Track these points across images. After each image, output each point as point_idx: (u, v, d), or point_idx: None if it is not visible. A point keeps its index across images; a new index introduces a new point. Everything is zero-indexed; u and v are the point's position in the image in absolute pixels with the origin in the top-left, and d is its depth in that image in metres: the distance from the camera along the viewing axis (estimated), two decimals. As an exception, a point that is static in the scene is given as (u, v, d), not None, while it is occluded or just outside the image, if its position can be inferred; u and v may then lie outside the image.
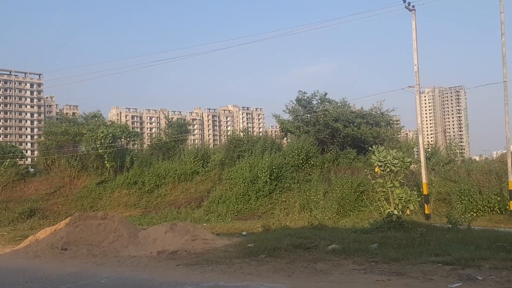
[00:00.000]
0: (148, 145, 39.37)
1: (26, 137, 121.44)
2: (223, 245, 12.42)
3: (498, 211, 19.86)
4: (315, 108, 31.04)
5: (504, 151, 21.25)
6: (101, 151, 31.34)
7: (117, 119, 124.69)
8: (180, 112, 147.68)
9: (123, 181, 30.64)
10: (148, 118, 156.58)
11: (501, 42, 20.24)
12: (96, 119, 38.05)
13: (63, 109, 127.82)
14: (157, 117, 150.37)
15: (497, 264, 8.45)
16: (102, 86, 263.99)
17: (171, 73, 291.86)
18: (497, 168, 22.73)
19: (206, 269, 9.59)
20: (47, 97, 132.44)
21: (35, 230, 19.25)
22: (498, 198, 20.10)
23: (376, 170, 16.14)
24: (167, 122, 38.30)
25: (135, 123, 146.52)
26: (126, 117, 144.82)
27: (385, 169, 15.73)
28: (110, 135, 31.53)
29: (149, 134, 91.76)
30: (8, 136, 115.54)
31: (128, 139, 34.98)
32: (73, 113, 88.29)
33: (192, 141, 72.02)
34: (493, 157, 30.67)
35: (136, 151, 36.10)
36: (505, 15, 20.28)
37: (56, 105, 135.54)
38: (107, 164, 31.74)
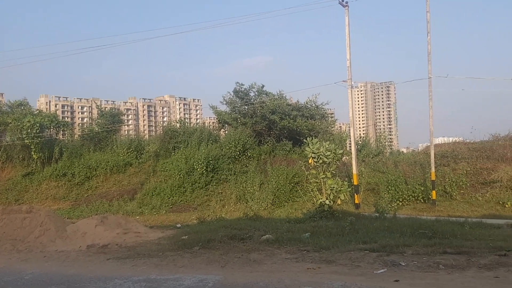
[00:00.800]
0: (78, 135, 37.67)
1: None
2: (156, 238, 12.21)
3: (422, 200, 21.09)
4: (252, 100, 31.19)
5: (429, 144, 22.55)
6: (28, 141, 29.59)
7: (46, 108, 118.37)
8: (113, 101, 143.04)
9: (52, 173, 29.19)
10: (80, 107, 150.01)
11: (427, 40, 21.36)
12: (23, 108, 35.81)
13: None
14: (89, 106, 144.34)
15: (419, 250, 8.96)
16: (30, 73, 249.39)
17: (105, 61, 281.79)
18: (422, 160, 24.12)
19: (138, 263, 9.37)
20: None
21: (-49, 226, 17.87)
22: (422, 188, 21.33)
23: (310, 161, 16.58)
24: (99, 111, 36.86)
25: (66, 112, 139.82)
26: (56, 106, 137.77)
27: (318, 161, 16.20)
28: (38, 124, 29.84)
29: (80, 124, 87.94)
30: None
31: (57, 129, 33.30)
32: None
33: (126, 132, 69.93)
34: (419, 149, 32.43)
35: (66, 141, 34.47)
36: (431, 14, 21.42)
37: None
38: (34, 155, 30.03)
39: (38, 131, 29.81)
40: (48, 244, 12.20)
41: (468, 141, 26.72)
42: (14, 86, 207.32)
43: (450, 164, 23.28)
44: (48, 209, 19.51)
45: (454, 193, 21.24)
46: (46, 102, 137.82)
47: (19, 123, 29.90)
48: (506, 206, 19.24)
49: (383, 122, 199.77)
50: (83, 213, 22.54)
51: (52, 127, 32.14)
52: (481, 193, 21.06)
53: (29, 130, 29.51)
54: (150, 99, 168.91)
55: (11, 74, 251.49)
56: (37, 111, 37.14)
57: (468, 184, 21.60)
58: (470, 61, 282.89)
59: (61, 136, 35.30)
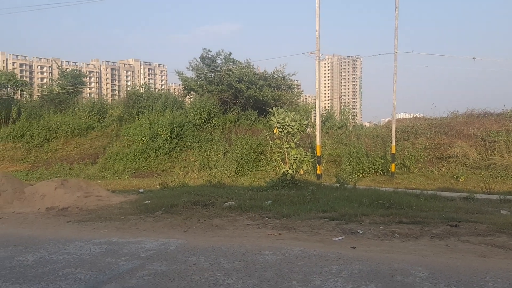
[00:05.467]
0: (38, 96, 36.36)
1: None
2: (118, 202, 12.11)
3: (381, 172, 21.74)
4: (219, 68, 30.85)
5: (391, 119, 23.10)
6: (-18, 99, 28.40)
7: (3, 67, 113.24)
8: (75, 63, 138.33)
9: (9, 134, 28.18)
10: (39, 67, 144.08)
11: (395, 15, 21.55)
12: (-23, 64, 34.16)
13: None
14: (50, 66, 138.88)
15: (376, 219, 9.29)
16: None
17: (66, 20, 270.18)
18: (383, 134, 24.77)
19: (99, 226, 9.30)
20: None
21: None
22: (382, 161, 21.95)
23: (274, 131, 16.67)
24: (60, 72, 35.57)
25: (24, 72, 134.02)
26: (13, 65, 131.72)
27: (283, 131, 16.31)
28: (-6, 82, 28.62)
29: (39, 85, 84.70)
30: None
31: (15, 88, 32.01)
32: (-52, 56, 78.15)
33: (88, 94, 68.02)
34: (381, 124, 33.21)
35: (24, 102, 33.22)
36: (400, -10, 21.54)
37: None
38: (-11, 115, 28.91)
39: (-6, 89, 28.60)
40: (4, 206, 11.89)
41: (428, 117, 27.54)
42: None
43: (410, 139, 24.02)
44: (5, 170, 18.96)
45: (412, 167, 21.99)
46: (3, 60, 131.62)
47: (-27, 81, 28.56)
48: (460, 180, 20.10)
49: (348, 95, 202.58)
50: (42, 176, 21.99)
51: (9, 86, 30.87)
52: (437, 168, 21.89)
53: (-16, 88, 28.28)
54: (114, 62, 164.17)
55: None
56: (-7, 68, 35.47)
57: (425, 159, 22.40)
58: (435, 38, 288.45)
59: (19, 96, 33.98)
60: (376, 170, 21.80)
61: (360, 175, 21.41)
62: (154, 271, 5.77)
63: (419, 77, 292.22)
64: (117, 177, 22.28)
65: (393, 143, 21.60)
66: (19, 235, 8.51)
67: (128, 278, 5.52)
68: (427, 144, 23.27)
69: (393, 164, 21.26)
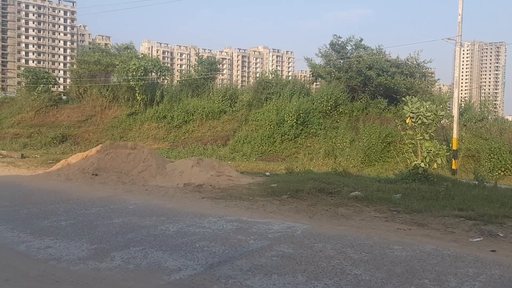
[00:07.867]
0: (178, 81, 39.46)
1: (59, 64, 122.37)
2: (246, 183, 12.66)
3: (528, 172, 19.50)
4: (349, 54, 30.22)
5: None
6: (133, 83, 31.64)
7: (149, 53, 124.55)
8: (210, 50, 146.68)
9: (153, 115, 31.18)
10: (179, 54, 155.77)
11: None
12: (129, 51, 37.98)
13: (96, 39, 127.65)
14: (188, 54, 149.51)
15: (520, 223, 8.38)
16: (134, 18, 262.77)
17: (203, 9, 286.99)
18: (532, 129, 22.12)
19: (230, 204, 9.85)
20: (80, 26, 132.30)
21: (66, 155, 19.94)
22: (529, 159, 19.66)
23: (407, 121, 15.83)
24: (197, 59, 38.08)
25: (166, 58, 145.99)
26: (157, 52, 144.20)
27: (417, 121, 15.42)
28: (142, 68, 31.65)
29: (179, 70, 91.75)
30: (42, 63, 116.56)
31: (159, 73, 35.09)
32: (106, 44, 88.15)
33: (220, 80, 71.69)
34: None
35: (166, 86, 36.30)
36: None
37: (89, 34, 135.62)
38: (137, 97, 32.16)
39: (142, 74, 31.66)
40: (149, 179, 13.21)
41: None
42: (119, 31, 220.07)
43: None
44: (150, 147, 20.98)
45: None
46: (149, 47, 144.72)
47: (125, 66, 31.88)
48: None
49: (489, 85, 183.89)
50: (180, 154, 23.93)
51: (154, 71, 33.92)
52: None
53: (134, 73, 31.43)
54: (244, 50, 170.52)
55: (117, 19, 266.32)
56: (142, 55, 39.21)
57: None
58: None
59: (162, 81, 37.19)
60: (521, 169, 19.61)
61: (502, 173, 19.44)
62: (281, 253, 5.94)
63: None
64: (245, 159, 23.27)
65: (545, 140, 19.19)
66: (162, 207, 9.41)
67: (258, 256, 5.76)
68: None
69: (543, 164, 18.92)
